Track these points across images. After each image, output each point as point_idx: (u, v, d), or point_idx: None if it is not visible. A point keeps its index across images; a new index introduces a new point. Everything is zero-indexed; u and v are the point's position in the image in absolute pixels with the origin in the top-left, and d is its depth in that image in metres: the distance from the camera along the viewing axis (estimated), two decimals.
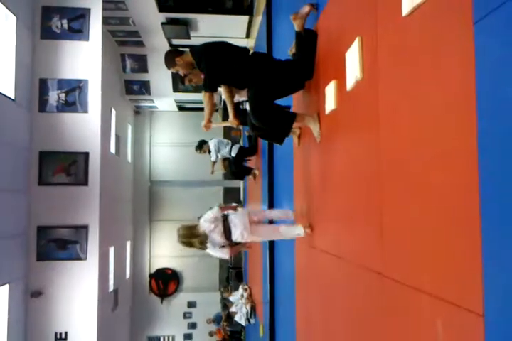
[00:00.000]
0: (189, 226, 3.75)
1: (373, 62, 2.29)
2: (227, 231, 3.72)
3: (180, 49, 3.92)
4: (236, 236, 3.74)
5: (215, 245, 3.73)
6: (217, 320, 12.54)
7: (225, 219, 3.77)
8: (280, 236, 3.99)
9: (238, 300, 9.79)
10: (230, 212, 3.88)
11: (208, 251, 3.77)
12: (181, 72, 3.78)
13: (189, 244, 3.72)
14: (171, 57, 3.73)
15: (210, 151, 8.46)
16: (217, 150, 8.34)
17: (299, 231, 3.81)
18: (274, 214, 4.39)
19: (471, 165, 1.41)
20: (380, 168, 2.19)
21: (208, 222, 3.73)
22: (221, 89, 4.01)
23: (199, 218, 3.87)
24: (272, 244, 6.21)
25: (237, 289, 10.52)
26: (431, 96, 1.70)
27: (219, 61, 3.54)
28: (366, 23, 2.41)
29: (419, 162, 1.78)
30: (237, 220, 3.75)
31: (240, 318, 9.43)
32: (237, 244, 3.85)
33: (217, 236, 3.71)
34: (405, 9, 1.86)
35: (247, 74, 3.56)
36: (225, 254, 3.84)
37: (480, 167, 1.37)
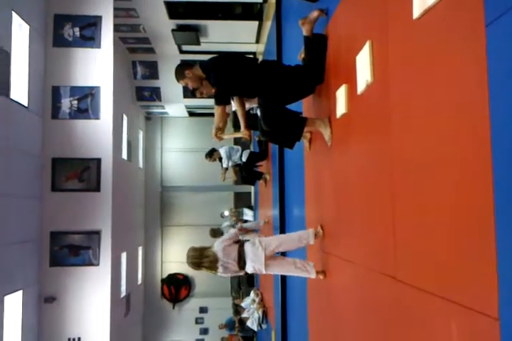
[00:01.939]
0: (199, 248, 3.73)
1: (384, 66, 2.29)
2: (242, 262, 3.68)
3: (191, 62, 3.94)
4: (251, 269, 3.71)
5: (226, 271, 3.70)
6: (229, 325, 12.51)
7: (241, 247, 3.72)
8: (294, 272, 3.87)
9: (250, 305, 9.77)
10: (247, 237, 3.84)
11: (219, 274, 3.74)
12: (190, 85, 3.80)
13: (197, 265, 3.69)
14: (181, 70, 3.77)
15: (220, 159, 8.48)
16: (229, 157, 8.36)
17: (311, 272, 3.75)
18: (287, 245, 4.01)
19: (485, 168, 1.40)
20: (392, 171, 2.18)
21: (224, 250, 3.68)
22: (232, 101, 4.05)
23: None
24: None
25: (248, 294, 10.50)
26: (443, 99, 1.70)
27: (228, 74, 3.57)
28: (376, 26, 2.41)
29: (432, 165, 1.77)
30: (253, 255, 3.67)
31: (252, 323, 9.40)
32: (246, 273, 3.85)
33: (232, 264, 3.67)
34: (416, 12, 1.86)
35: (257, 83, 3.58)
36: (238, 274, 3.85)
37: (494, 169, 1.36)
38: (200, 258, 3.66)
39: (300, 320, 5.06)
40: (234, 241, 3.79)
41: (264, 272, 3.70)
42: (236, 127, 6.64)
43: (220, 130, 3.89)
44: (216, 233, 8.30)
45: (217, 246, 3.72)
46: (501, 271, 1.32)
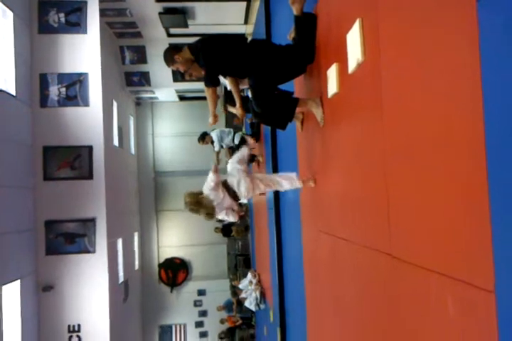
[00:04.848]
0: (196, 194, 3.85)
1: (375, 44, 2.27)
2: (232, 194, 3.82)
3: (179, 45, 3.91)
4: (243, 194, 3.84)
5: (222, 209, 3.84)
6: (227, 306, 12.66)
7: (227, 185, 3.84)
8: (280, 183, 3.95)
9: (247, 286, 9.88)
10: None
11: (217, 216, 3.91)
12: (181, 69, 3.77)
13: (197, 211, 3.83)
14: (170, 55, 3.73)
15: (213, 142, 8.46)
16: (221, 140, 8.34)
17: (296, 180, 3.88)
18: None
19: (477, 144, 1.41)
20: (384, 150, 2.18)
21: (213, 191, 3.80)
22: (226, 80, 4.02)
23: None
24: (279, 229, 6.24)
25: (245, 276, 10.60)
26: (435, 76, 1.69)
27: (217, 55, 3.54)
28: (366, 3, 2.39)
29: (425, 143, 1.77)
30: (235, 180, 3.83)
31: (250, 304, 9.52)
32: (240, 205, 3.98)
33: (227, 202, 3.82)
34: None
35: (247, 62, 3.54)
36: (234, 218, 3.99)
37: (487, 145, 1.37)
38: (198, 205, 3.80)
39: (298, 298, 5.13)
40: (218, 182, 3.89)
41: (250, 185, 3.80)
42: (227, 103, 6.58)
43: (216, 116, 3.92)
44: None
45: (210, 193, 3.82)
46: (496, 245, 1.34)
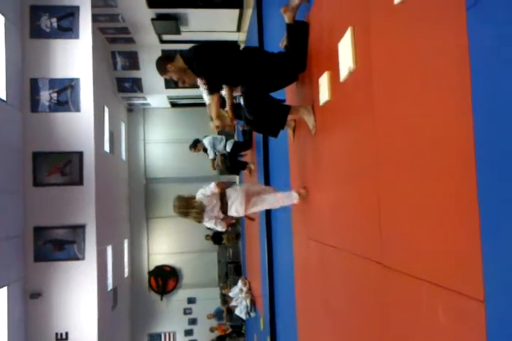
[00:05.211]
0: (185, 198, 3.86)
1: (366, 52, 2.28)
2: (224, 206, 3.82)
3: (171, 54, 3.91)
4: (232, 212, 3.84)
5: (211, 218, 3.83)
6: (217, 315, 12.57)
7: (223, 195, 3.84)
8: (275, 202, 3.98)
9: (238, 294, 9.82)
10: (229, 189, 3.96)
11: (205, 223, 3.90)
12: (174, 78, 3.75)
13: (185, 214, 3.82)
14: (162, 64, 3.70)
15: (205, 149, 8.43)
16: (213, 147, 8.32)
17: (294, 195, 3.87)
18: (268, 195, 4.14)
19: (467, 150, 1.41)
20: (376, 157, 2.18)
21: (207, 197, 3.81)
22: (202, 89, 4.04)
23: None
24: (270, 237, 6.22)
25: (236, 284, 10.55)
26: (426, 84, 1.70)
27: (211, 63, 3.53)
28: (358, 12, 2.40)
29: (416, 150, 1.77)
30: (234, 195, 3.82)
31: (240, 312, 9.46)
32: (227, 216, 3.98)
33: (216, 211, 3.81)
34: None
35: (239, 70, 3.55)
36: (222, 227, 3.96)
37: (476, 151, 1.37)
38: (187, 208, 3.80)
39: (288, 307, 5.10)
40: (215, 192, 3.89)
41: (243, 212, 3.82)
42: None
43: (221, 118, 3.92)
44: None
45: (204, 198, 3.83)
46: (485, 254, 1.34)
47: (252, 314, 9.17)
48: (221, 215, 3.85)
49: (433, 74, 1.64)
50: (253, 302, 9.21)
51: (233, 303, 9.95)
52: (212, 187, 3.87)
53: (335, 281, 3.11)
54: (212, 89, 3.70)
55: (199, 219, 3.83)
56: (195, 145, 8.45)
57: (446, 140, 1.55)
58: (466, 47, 1.41)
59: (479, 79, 1.36)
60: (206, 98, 4.10)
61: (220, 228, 3.98)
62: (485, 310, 1.35)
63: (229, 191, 3.88)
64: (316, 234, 3.62)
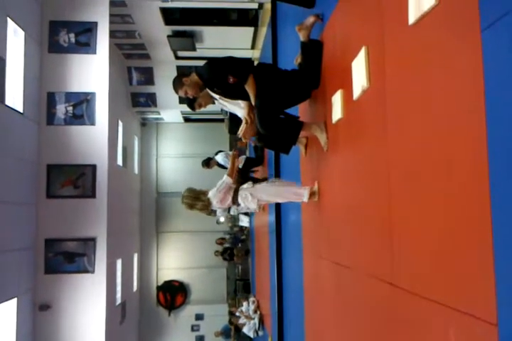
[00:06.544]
0: (196, 190, 3.89)
1: (380, 71, 2.29)
2: (235, 201, 3.82)
3: (186, 72, 3.90)
4: (241, 207, 3.87)
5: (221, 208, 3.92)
6: (225, 332, 12.43)
7: (236, 192, 3.82)
8: (284, 196, 3.92)
9: (248, 311, 9.73)
10: (244, 186, 3.90)
11: (218, 213, 3.93)
12: (190, 94, 3.72)
13: (191, 206, 3.84)
14: (178, 79, 3.69)
15: (219, 165, 8.42)
16: (227, 163, 8.33)
17: (304, 194, 3.73)
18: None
19: (481, 174, 1.40)
20: (388, 177, 2.18)
21: (221, 194, 3.79)
22: (222, 102, 4.05)
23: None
24: (279, 255, 6.18)
25: (246, 299, 10.45)
26: (439, 104, 1.70)
27: (224, 76, 3.52)
28: (372, 32, 2.42)
29: (429, 170, 1.77)
30: (247, 192, 3.79)
31: (249, 330, 9.36)
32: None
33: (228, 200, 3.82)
34: (412, 18, 1.86)
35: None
36: (254, 205, 3.85)
37: (490, 176, 1.36)
38: (194, 200, 3.82)
39: (297, 326, 5.04)
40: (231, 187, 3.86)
41: (250, 198, 3.76)
42: (232, 132, 6.62)
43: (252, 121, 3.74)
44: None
45: (217, 194, 3.81)
46: (499, 276, 1.32)
47: (260, 332, 9.06)
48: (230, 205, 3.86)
49: (447, 94, 1.64)
50: (261, 321, 9.11)
51: (241, 321, 9.85)
52: (228, 181, 3.83)
53: (345, 301, 3.08)
54: (243, 76, 3.46)
55: (205, 211, 3.87)
56: (208, 163, 8.42)
57: (460, 161, 1.55)
58: (481, 68, 1.41)
59: (494, 101, 1.36)
60: (233, 108, 4.05)
61: (253, 206, 3.84)
62: (498, 333, 1.32)
63: (242, 192, 3.82)
64: (326, 252, 3.59)
